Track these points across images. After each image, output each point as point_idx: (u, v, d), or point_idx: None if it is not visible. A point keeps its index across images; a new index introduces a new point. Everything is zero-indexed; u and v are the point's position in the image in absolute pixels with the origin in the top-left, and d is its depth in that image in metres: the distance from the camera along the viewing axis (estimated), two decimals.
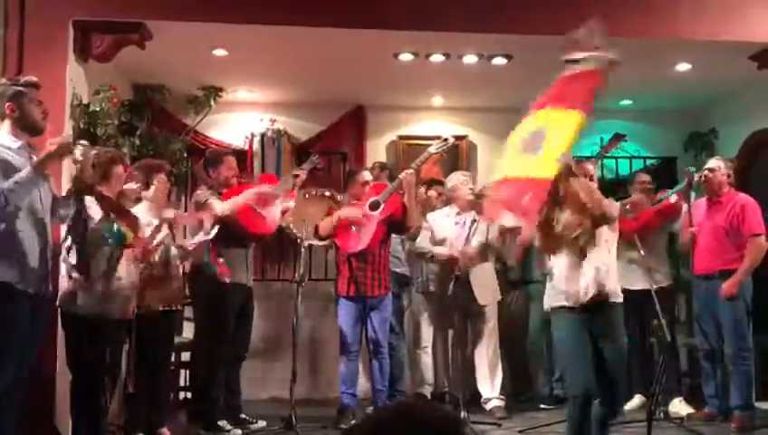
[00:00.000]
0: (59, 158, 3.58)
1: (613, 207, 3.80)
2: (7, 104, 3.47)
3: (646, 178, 5.87)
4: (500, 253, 5.62)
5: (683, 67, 5.89)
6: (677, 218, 5.53)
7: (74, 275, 3.86)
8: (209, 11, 4.84)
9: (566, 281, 3.63)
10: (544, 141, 3.50)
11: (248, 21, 4.90)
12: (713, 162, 5.25)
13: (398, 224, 5.18)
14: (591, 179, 4.15)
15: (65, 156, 3.58)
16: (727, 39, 5.18)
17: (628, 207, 5.05)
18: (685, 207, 5.34)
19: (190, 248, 4.61)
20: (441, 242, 5.46)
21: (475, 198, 5.35)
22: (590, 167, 4.32)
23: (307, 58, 5.67)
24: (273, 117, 6.76)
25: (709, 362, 5.15)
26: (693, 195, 5.27)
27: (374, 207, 5.14)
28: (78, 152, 3.59)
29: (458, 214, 5.49)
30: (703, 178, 5.14)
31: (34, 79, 3.60)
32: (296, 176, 5.26)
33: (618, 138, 5.42)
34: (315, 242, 5.54)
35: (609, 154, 5.72)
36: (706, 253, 5.09)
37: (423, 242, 5.51)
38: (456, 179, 5.62)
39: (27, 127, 3.51)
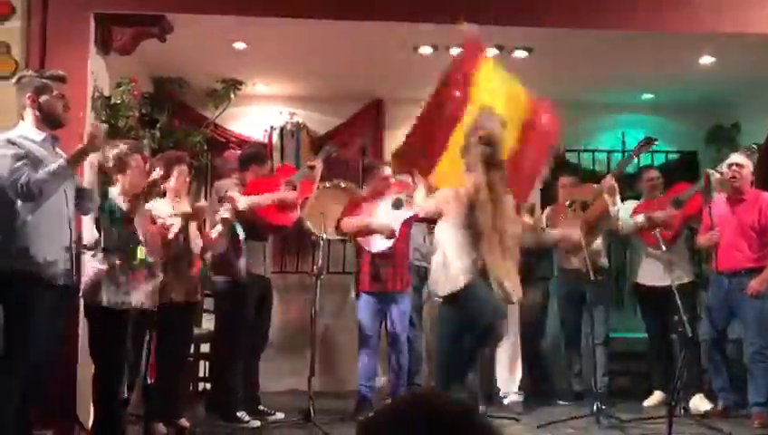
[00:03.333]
0: (94, 151, 3.62)
1: None
2: (28, 95, 3.51)
3: (654, 174, 5.82)
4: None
5: (706, 60, 5.82)
6: (699, 216, 5.48)
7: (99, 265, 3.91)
8: (229, 4, 4.85)
9: None
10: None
11: (268, 14, 4.91)
12: (738, 157, 5.17)
13: (424, 220, 5.18)
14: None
15: (99, 150, 3.61)
16: (752, 32, 5.11)
17: (657, 230, 5.02)
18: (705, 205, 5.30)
19: (213, 237, 4.65)
20: None
21: None
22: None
23: (326, 51, 5.67)
24: (293, 110, 6.77)
25: (717, 353, 5.08)
26: (713, 195, 5.20)
27: (397, 205, 5.15)
28: (116, 150, 3.65)
29: None
30: (730, 174, 5.06)
31: (61, 73, 3.63)
32: (311, 167, 5.28)
33: (648, 142, 5.40)
34: (333, 236, 5.55)
35: (638, 156, 5.71)
36: (732, 250, 5.02)
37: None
38: None
39: (47, 120, 3.55)
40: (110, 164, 3.94)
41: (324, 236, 5.12)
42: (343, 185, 6.39)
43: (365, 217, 5.22)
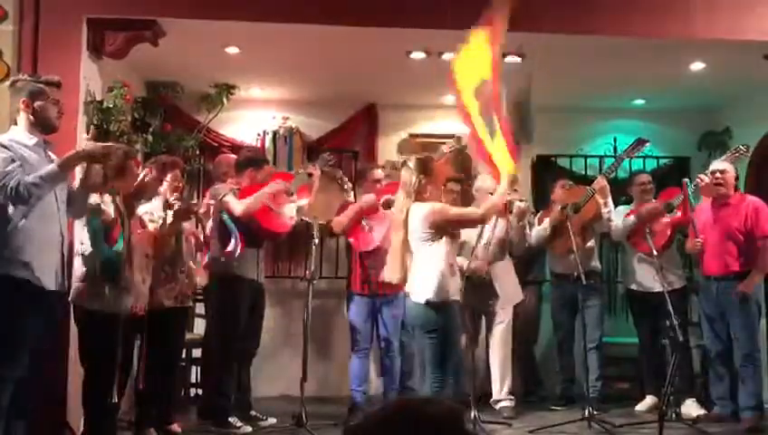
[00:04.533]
0: (89, 161, 3.60)
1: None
2: (23, 100, 3.51)
3: (645, 178, 5.83)
4: (520, 244, 5.63)
5: (697, 66, 5.84)
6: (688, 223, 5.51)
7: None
8: (222, 8, 4.85)
9: None
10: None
11: (261, 19, 4.91)
12: (721, 164, 5.21)
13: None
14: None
15: (97, 162, 3.60)
16: (742, 38, 5.13)
17: (650, 236, 5.07)
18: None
19: (202, 237, 4.65)
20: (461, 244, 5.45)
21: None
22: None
23: (319, 56, 5.67)
24: (286, 114, 6.77)
25: (721, 364, 5.11)
26: (694, 203, 5.23)
27: (387, 205, 5.14)
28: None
29: None
30: (715, 181, 5.10)
31: (57, 78, 3.63)
32: (310, 175, 5.27)
33: (640, 143, 5.43)
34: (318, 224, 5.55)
35: (630, 157, 5.73)
36: (719, 254, 5.05)
37: None
38: (483, 180, 5.57)
39: (41, 125, 3.55)
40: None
41: (317, 241, 5.11)
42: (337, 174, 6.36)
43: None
